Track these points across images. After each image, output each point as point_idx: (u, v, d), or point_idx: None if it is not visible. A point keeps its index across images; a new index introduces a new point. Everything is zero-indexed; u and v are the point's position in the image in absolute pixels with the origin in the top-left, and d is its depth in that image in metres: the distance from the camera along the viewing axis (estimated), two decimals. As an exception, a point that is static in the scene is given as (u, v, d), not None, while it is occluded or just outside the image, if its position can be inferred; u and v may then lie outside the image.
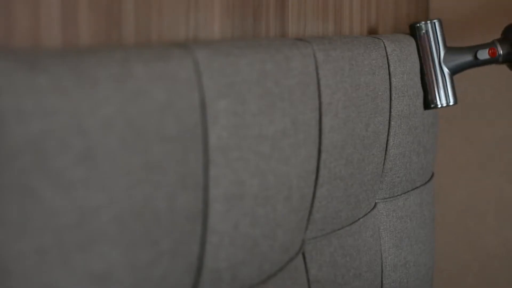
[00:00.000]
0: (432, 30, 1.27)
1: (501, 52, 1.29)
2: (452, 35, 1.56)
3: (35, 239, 0.56)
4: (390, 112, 1.15)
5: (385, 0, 1.35)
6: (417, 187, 1.28)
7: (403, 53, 1.18)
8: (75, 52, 0.63)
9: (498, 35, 1.32)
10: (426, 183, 1.32)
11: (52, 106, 0.57)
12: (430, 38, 1.27)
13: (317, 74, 0.94)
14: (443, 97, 1.27)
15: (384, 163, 1.17)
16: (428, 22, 1.27)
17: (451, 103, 1.28)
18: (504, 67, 1.34)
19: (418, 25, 1.27)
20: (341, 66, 1.00)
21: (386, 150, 1.17)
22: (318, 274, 0.99)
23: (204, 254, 0.75)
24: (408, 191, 1.26)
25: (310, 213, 0.97)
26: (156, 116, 0.67)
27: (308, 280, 0.97)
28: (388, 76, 1.14)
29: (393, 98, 1.15)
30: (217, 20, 0.88)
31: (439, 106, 1.28)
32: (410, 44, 1.23)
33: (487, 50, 1.28)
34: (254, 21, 0.95)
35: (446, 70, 1.27)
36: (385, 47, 1.14)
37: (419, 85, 1.24)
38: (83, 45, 0.69)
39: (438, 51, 1.27)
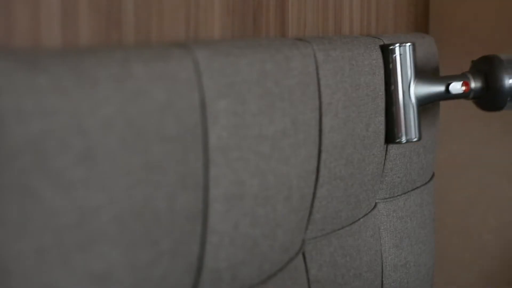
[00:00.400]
0: (406, 55, 1.13)
1: (472, 86, 1.16)
2: (453, 35, 1.56)
3: (35, 239, 0.56)
4: (390, 112, 1.15)
5: (385, 0, 1.35)
6: (417, 187, 1.28)
7: (403, 53, 1.18)
8: (75, 52, 0.63)
9: (498, 34, 1.32)
10: (426, 183, 1.32)
11: (52, 106, 0.57)
12: (402, 63, 1.12)
13: (317, 74, 0.94)
14: (409, 131, 1.13)
15: (384, 163, 1.17)
16: (403, 45, 1.12)
17: (416, 138, 1.14)
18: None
19: (391, 47, 1.12)
20: (341, 66, 1.00)
21: (386, 150, 1.17)
22: (318, 274, 0.99)
23: (204, 254, 0.75)
24: (409, 191, 1.26)
25: (310, 213, 0.97)
26: (156, 116, 0.67)
27: (308, 280, 0.97)
28: (388, 76, 1.14)
29: (393, 98, 1.16)
30: (217, 20, 0.88)
31: (404, 141, 1.13)
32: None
33: (460, 83, 1.15)
34: (254, 21, 0.95)
35: (414, 100, 1.13)
36: (385, 47, 1.14)
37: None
38: (83, 45, 0.69)
39: (409, 80, 1.13)
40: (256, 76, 0.81)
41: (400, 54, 1.12)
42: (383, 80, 1.12)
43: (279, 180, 0.85)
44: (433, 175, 1.36)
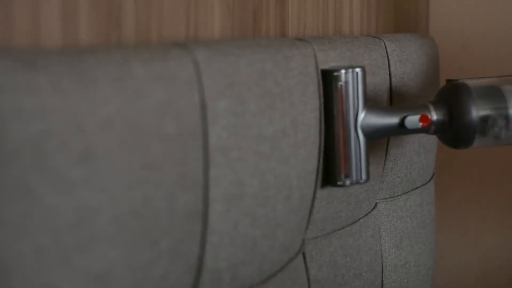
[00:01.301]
0: (353, 82, 0.94)
1: (434, 118, 0.98)
2: (453, 35, 1.56)
3: (35, 239, 0.57)
4: (390, 112, 1.15)
5: (385, 0, 1.35)
6: (417, 187, 1.28)
7: (403, 53, 1.19)
8: (75, 52, 0.63)
9: (498, 35, 1.31)
10: (426, 183, 1.32)
11: (52, 106, 0.57)
12: (349, 92, 0.94)
13: (317, 74, 0.94)
14: (354, 171, 0.96)
15: (384, 163, 1.17)
16: (350, 71, 0.94)
17: (362, 180, 0.97)
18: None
19: (336, 74, 0.93)
20: (341, 66, 1.00)
21: (386, 150, 1.17)
22: (318, 274, 0.99)
23: (204, 254, 0.75)
24: (409, 191, 1.26)
25: (310, 213, 0.97)
26: (156, 116, 0.67)
27: (308, 280, 0.97)
28: (388, 77, 1.14)
29: (393, 99, 1.15)
30: (217, 20, 0.88)
31: (348, 184, 0.96)
32: (410, 44, 1.23)
33: (418, 118, 0.97)
34: (254, 21, 0.95)
35: (361, 136, 0.95)
36: (385, 47, 1.14)
37: (420, 86, 1.24)
38: (83, 45, 0.69)
39: (356, 111, 0.95)
40: (256, 76, 0.81)
41: (345, 82, 0.94)
42: (384, 80, 1.12)
43: (279, 180, 0.85)
44: (433, 175, 1.36)
